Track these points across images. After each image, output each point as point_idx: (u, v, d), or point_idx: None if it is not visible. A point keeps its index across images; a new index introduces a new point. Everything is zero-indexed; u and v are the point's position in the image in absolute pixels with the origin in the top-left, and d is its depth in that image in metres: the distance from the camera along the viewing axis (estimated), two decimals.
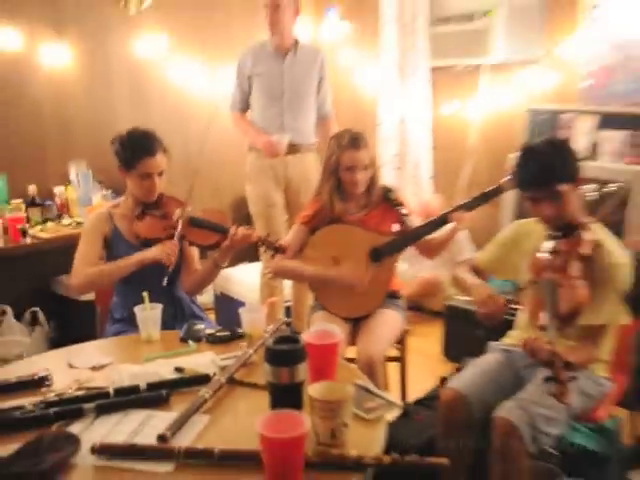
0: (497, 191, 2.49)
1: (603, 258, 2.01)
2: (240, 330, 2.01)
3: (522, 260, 2.23)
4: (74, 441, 1.40)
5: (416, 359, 2.93)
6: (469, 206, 2.50)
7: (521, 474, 1.91)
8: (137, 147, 2.36)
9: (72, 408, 1.54)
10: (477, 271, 2.38)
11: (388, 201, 2.62)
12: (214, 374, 1.69)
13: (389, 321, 2.55)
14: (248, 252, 3.68)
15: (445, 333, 3.53)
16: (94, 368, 1.82)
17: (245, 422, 1.54)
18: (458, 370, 2.36)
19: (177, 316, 2.45)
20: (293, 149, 3.52)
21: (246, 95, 3.61)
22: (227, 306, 3.88)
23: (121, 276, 2.37)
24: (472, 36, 3.91)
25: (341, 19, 4.66)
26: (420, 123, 4.25)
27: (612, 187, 3.07)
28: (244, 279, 3.84)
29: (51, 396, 1.61)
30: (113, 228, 2.45)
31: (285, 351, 1.42)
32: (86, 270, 2.36)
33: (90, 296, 2.71)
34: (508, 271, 2.37)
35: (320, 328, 1.72)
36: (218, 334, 2.02)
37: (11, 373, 1.77)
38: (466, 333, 3.26)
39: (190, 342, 1.99)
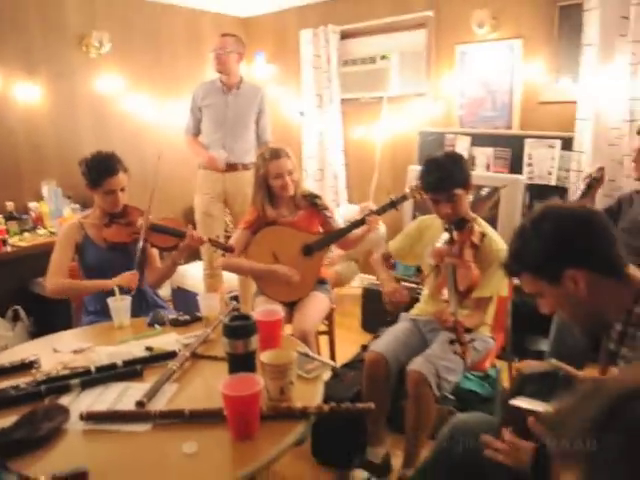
0: (402, 199, 2.54)
1: (487, 245, 2.11)
2: (198, 314, 1.99)
3: (424, 248, 2.30)
4: (64, 411, 1.36)
5: (341, 332, 2.97)
6: (380, 211, 2.54)
7: (429, 413, 1.98)
8: (101, 168, 2.28)
9: (60, 384, 1.48)
10: (387, 257, 2.43)
11: (315, 206, 2.64)
12: (179, 350, 1.67)
13: (318, 302, 2.57)
14: (198, 252, 3.64)
15: (362, 310, 3.59)
16: (76, 351, 1.75)
17: (208, 387, 1.53)
18: (375, 337, 2.42)
19: (142, 306, 2.38)
20: (232, 167, 3.50)
21: (197, 122, 3.56)
22: (183, 297, 3.80)
23: (87, 294, 2.33)
24: (374, 75, 4.01)
25: (267, 62, 4.66)
26: (335, 144, 4.30)
27: (485, 191, 3.24)
28: (196, 274, 3.78)
29: (41, 376, 1.54)
30: (84, 235, 2.36)
31: (240, 326, 1.42)
32: (60, 279, 2.27)
33: None
34: (412, 258, 2.44)
35: (266, 308, 1.73)
36: (180, 318, 1.98)
37: (3, 359, 1.68)
38: (380, 309, 3.32)
39: (156, 326, 1.95)
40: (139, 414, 1.34)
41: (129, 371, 1.56)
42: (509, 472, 1.22)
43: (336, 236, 2.59)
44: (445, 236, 2.12)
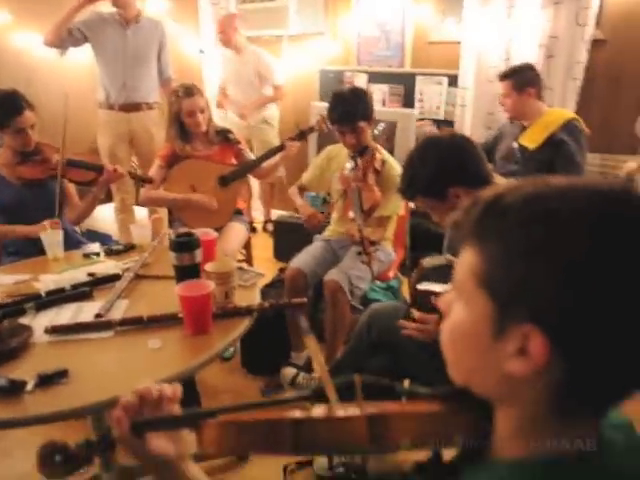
0: (310, 130, 2.78)
1: (387, 171, 2.43)
2: (130, 243, 2.13)
3: (332, 175, 2.58)
4: (27, 328, 1.49)
5: (257, 262, 3.20)
6: (295, 138, 2.73)
7: (344, 318, 2.32)
8: (6, 108, 2.29)
9: (16, 308, 1.60)
10: (302, 188, 2.68)
11: (228, 140, 2.81)
12: (122, 272, 1.83)
13: (236, 232, 2.79)
14: (109, 194, 3.65)
15: (275, 241, 3.84)
16: (17, 282, 1.84)
17: (156, 300, 1.71)
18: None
19: (66, 243, 2.46)
20: (136, 107, 3.49)
21: (71, 39, 3.32)
22: (93, 239, 3.81)
23: (15, 237, 2.36)
24: (274, 12, 4.11)
25: None
26: None
27: (382, 124, 3.55)
28: (107, 216, 3.80)
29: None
30: None
31: (186, 241, 1.62)
32: None
33: None
34: (323, 186, 2.70)
35: (201, 230, 1.92)
36: (113, 247, 2.11)
37: None
38: (289, 239, 3.60)
39: (92, 256, 2.07)
40: (101, 323, 1.52)
41: (79, 293, 1.70)
42: (416, 344, 1.57)
43: (250, 166, 2.78)
44: (350, 164, 2.40)
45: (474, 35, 3.49)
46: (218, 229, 2.74)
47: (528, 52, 3.37)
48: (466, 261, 0.56)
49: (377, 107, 3.78)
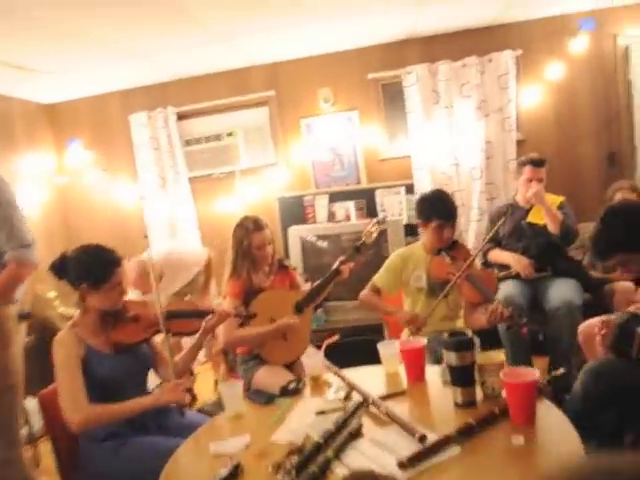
0: (362, 245, 2.80)
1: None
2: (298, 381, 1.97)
3: (410, 275, 2.66)
4: (373, 472, 1.31)
5: None
6: (349, 259, 2.71)
7: None
8: (105, 261, 1.99)
9: (323, 461, 1.38)
10: (376, 290, 2.69)
11: (285, 267, 2.76)
12: (364, 401, 1.68)
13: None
14: None
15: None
16: (247, 446, 1.56)
17: (435, 407, 1.66)
18: None
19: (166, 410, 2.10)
20: None
21: None
22: None
23: (130, 416, 1.92)
24: (222, 151, 4.22)
25: (85, 148, 4.34)
26: (187, 221, 4.27)
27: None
28: None
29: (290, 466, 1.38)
30: (85, 347, 1.98)
31: (467, 340, 1.61)
32: (85, 409, 1.85)
33: None
34: (398, 287, 2.74)
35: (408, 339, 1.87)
36: (290, 387, 1.91)
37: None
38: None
39: (278, 400, 1.84)
40: (441, 442, 1.40)
41: (354, 429, 1.52)
42: None
43: (319, 289, 2.73)
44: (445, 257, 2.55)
45: (423, 148, 4.06)
46: (295, 360, 2.62)
47: (472, 156, 4.03)
48: None
49: (344, 222, 4.11)
